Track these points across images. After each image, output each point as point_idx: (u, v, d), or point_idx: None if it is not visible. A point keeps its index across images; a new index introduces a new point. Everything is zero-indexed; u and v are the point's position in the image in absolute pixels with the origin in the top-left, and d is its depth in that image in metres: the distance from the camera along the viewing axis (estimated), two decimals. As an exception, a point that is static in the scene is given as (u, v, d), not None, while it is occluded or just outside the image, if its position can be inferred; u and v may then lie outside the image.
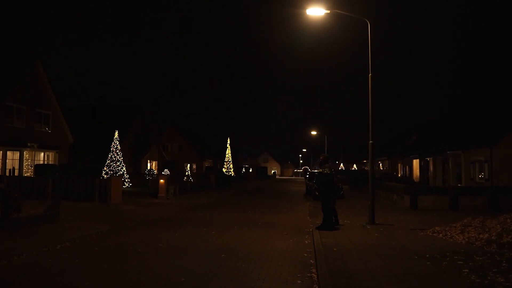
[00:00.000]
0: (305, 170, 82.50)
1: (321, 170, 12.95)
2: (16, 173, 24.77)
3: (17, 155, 25.52)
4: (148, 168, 41.94)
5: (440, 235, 10.79)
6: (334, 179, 12.74)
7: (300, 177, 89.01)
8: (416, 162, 38.59)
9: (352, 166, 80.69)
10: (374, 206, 13.46)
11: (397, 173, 45.91)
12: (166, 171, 35.52)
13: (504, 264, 7.33)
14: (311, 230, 12.43)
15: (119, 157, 27.48)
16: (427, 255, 8.29)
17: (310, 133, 61.43)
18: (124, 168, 27.55)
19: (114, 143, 27.61)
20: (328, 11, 14.16)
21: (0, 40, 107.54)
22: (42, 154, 27.83)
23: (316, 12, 14.23)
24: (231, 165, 52.54)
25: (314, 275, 7.19)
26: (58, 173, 25.01)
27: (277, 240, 10.76)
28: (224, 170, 51.43)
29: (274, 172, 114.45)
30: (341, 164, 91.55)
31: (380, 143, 61.57)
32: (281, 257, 8.67)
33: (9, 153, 25.22)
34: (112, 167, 27.02)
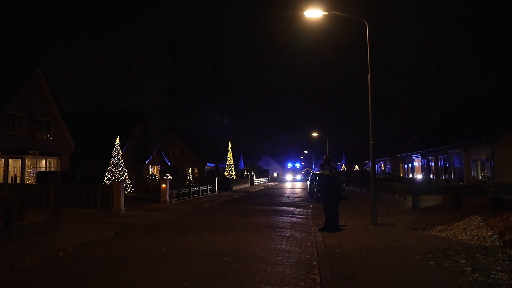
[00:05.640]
0: (307, 172, 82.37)
1: (322, 171, 12.95)
2: (18, 181, 24.81)
3: (19, 162, 25.57)
4: (150, 173, 41.94)
5: (443, 234, 10.77)
6: (336, 180, 12.73)
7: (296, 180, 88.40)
8: (418, 162, 38.57)
9: (354, 167, 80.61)
10: (376, 207, 13.45)
11: (399, 173, 45.85)
12: (168, 176, 35.50)
13: (507, 262, 7.30)
14: (313, 231, 12.43)
15: (121, 163, 27.51)
16: (430, 255, 8.28)
17: (312, 135, 61.42)
18: (126, 174, 27.56)
19: (116, 148, 27.64)
20: (326, 13, 14.22)
21: (1, 48, 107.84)
22: (44, 161, 27.87)
23: (314, 14, 14.29)
24: (233, 168, 52.49)
25: (317, 277, 7.19)
26: (60, 180, 25.07)
27: (279, 242, 10.77)
28: (225, 173, 51.38)
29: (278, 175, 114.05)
30: (343, 165, 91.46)
31: (382, 143, 61.51)
32: (283, 259, 8.67)
33: (11, 161, 25.28)
34: (114, 173, 27.05)
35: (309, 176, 39.85)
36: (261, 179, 70.95)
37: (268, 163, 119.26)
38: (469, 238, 9.78)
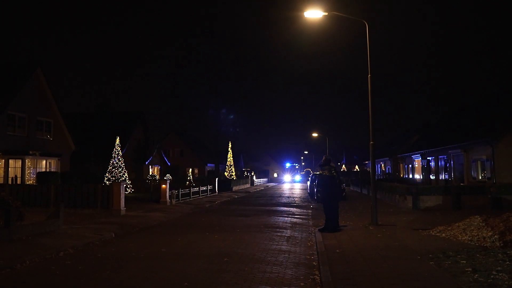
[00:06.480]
0: (307, 172, 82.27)
1: (321, 171, 12.96)
2: (19, 181, 24.80)
3: (19, 163, 25.57)
4: (150, 173, 41.94)
5: (443, 234, 10.77)
6: (336, 181, 12.74)
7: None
8: (418, 162, 38.54)
9: (354, 167, 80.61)
10: (376, 207, 13.45)
11: (399, 174, 45.84)
12: (168, 176, 35.50)
13: (507, 263, 7.31)
14: (313, 232, 12.44)
15: (121, 163, 27.51)
16: (430, 255, 8.28)
17: (312, 135, 61.36)
18: (126, 174, 27.57)
19: (116, 149, 27.65)
20: (326, 13, 14.23)
21: (1, 49, 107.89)
22: (44, 161, 27.86)
23: (314, 15, 14.31)
24: (233, 169, 52.44)
25: (317, 277, 7.19)
26: (60, 180, 25.06)
27: (279, 243, 10.77)
28: (226, 174, 51.35)
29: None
30: (343, 166, 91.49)
31: (382, 143, 61.54)
32: (283, 259, 8.67)
33: (11, 161, 25.27)
34: (114, 173, 27.04)
35: (309, 177, 39.84)
36: (261, 179, 70.88)
37: (268, 164, 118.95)
38: (469, 239, 9.78)
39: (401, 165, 45.98)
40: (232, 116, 52.90)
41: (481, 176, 24.23)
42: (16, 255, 8.54)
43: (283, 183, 76.18)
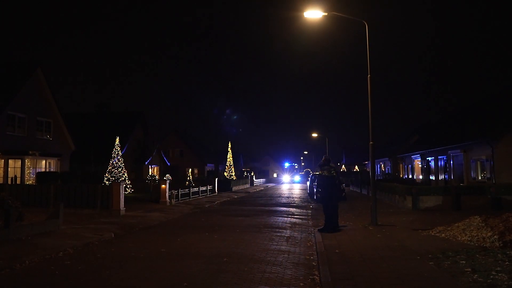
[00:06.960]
0: (307, 172, 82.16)
1: (321, 172, 12.96)
2: (18, 181, 24.78)
3: (18, 163, 25.56)
4: (150, 173, 41.92)
5: (443, 235, 10.78)
6: (336, 181, 12.75)
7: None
8: (417, 163, 38.56)
9: (354, 168, 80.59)
10: (376, 207, 13.46)
11: (399, 174, 45.83)
12: (168, 177, 35.46)
13: (507, 263, 7.31)
14: (313, 232, 12.44)
15: (121, 163, 27.51)
16: (430, 256, 8.28)
17: (311, 136, 61.38)
18: (125, 174, 27.57)
19: (116, 149, 27.65)
20: (326, 14, 14.24)
21: (1, 49, 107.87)
22: (43, 161, 27.86)
23: (313, 15, 14.32)
24: (233, 169, 52.45)
25: (316, 277, 7.19)
26: (60, 180, 25.05)
27: (279, 243, 10.77)
28: (225, 174, 51.34)
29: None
30: (343, 166, 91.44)
31: (382, 144, 61.51)
32: (283, 260, 8.67)
33: (10, 162, 25.27)
34: (114, 174, 27.04)
35: (309, 177, 39.86)
36: (261, 179, 70.87)
37: (267, 164, 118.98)
38: (469, 239, 9.78)
39: (401, 165, 45.99)
40: (235, 117, 53.03)
41: (481, 176, 24.24)
42: (16, 255, 8.54)
43: (282, 183, 75.99)
